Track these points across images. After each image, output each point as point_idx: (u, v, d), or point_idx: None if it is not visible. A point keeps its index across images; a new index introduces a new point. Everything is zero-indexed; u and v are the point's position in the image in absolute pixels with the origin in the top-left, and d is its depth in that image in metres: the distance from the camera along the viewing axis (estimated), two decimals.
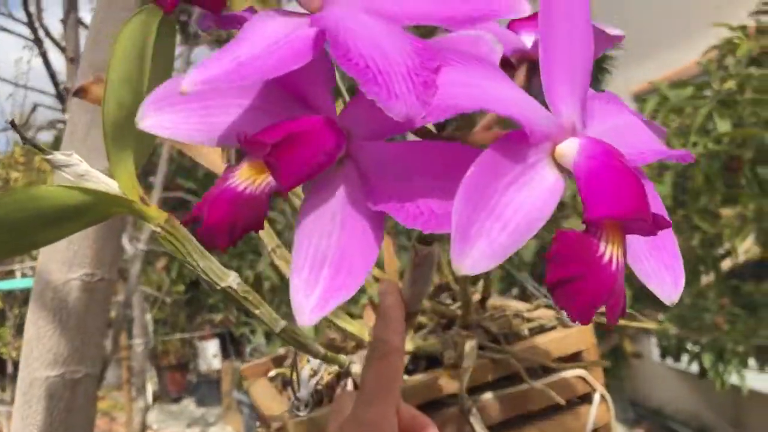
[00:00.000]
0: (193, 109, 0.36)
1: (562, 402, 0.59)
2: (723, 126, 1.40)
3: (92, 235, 0.80)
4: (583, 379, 0.62)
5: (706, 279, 2.02)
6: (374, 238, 0.33)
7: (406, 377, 0.59)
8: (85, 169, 0.46)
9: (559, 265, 0.28)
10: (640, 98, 1.87)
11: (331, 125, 0.34)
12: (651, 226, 0.29)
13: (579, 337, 0.64)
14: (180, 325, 5.35)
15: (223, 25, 0.40)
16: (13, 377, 3.45)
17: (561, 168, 0.32)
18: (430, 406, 0.59)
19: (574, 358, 0.64)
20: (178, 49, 2.29)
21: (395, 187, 0.33)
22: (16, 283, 3.21)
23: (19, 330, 3.71)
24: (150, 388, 3.84)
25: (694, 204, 1.55)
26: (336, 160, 0.34)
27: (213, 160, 0.58)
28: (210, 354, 5.32)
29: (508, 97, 0.31)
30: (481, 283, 0.72)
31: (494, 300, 0.74)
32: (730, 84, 1.47)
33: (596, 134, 0.33)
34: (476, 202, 0.29)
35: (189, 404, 5.43)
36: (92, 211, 0.42)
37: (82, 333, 0.79)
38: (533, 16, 0.39)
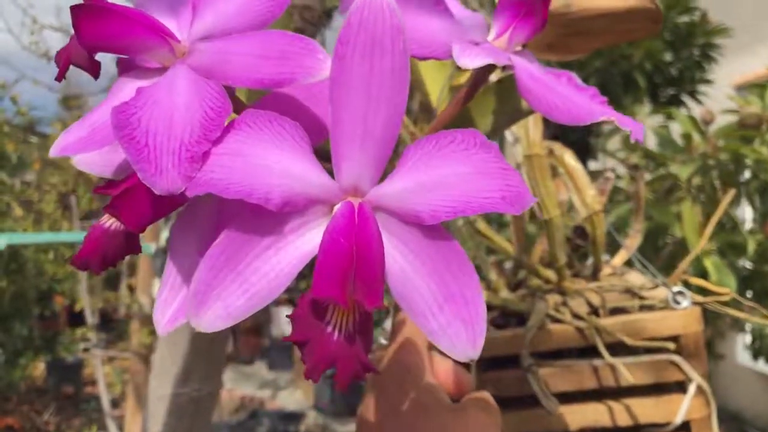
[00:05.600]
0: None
1: (631, 380, 0.58)
2: None
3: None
4: (677, 366, 0.59)
5: None
6: None
7: (492, 330, 0.62)
8: None
9: (295, 328, 0.31)
10: (741, 88, 1.77)
11: None
12: (350, 307, 0.31)
13: (679, 321, 0.60)
14: None
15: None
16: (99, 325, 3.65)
17: None
18: (509, 361, 0.61)
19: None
20: None
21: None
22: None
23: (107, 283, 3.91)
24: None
25: None
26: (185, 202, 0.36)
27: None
28: (283, 319, 5.42)
29: (274, 168, 0.31)
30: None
31: (618, 271, 0.74)
32: None
33: (400, 189, 0.33)
34: (220, 269, 0.32)
35: (261, 367, 5.60)
36: None
37: None
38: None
